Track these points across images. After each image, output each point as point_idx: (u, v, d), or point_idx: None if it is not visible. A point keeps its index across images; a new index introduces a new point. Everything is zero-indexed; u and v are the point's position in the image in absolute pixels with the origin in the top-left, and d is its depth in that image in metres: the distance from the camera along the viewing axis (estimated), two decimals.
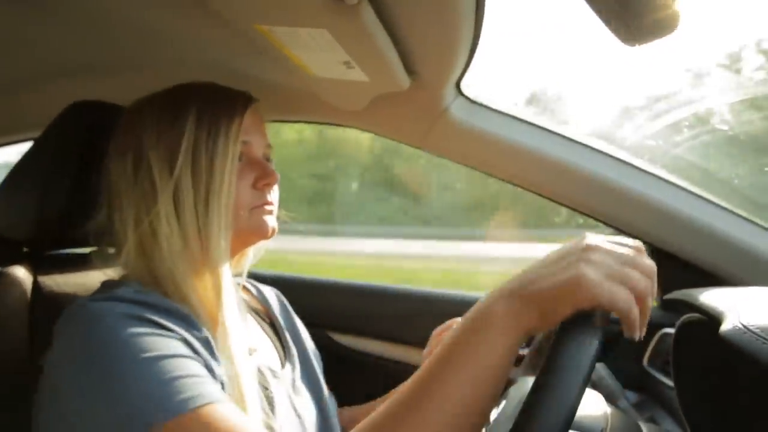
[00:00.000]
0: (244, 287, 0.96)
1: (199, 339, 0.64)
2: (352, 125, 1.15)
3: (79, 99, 0.85)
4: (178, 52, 0.96)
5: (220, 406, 0.56)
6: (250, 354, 0.79)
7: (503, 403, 0.71)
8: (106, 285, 0.72)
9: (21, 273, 0.79)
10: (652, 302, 0.50)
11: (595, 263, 0.49)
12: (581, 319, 0.47)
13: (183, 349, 0.60)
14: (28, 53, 0.98)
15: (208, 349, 0.64)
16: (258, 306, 0.95)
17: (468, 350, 0.51)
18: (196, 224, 0.70)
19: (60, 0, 0.80)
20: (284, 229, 0.83)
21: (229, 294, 0.72)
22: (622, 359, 1.15)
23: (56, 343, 0.61)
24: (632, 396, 1.11)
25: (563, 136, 1.06)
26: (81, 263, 0.88)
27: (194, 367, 0.59)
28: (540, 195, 1.14)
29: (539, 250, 0.60)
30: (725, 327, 0.53)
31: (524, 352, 0.88)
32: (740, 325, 0.52)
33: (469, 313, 0.53)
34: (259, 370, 0.77)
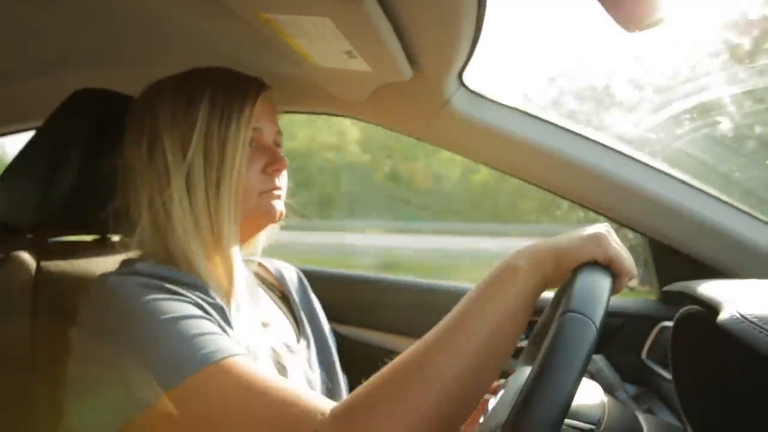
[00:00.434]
0: (261, 264, 0.97)
1: (213, 306, 0.67)
2: (354, 116, 1.15)
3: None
4: (182, 43, 0.96)
5: (240, 358, 0.59)
6: (264, 327, 0.81)
7: (501, 392, 0.71)
8: (126, 262, 0.75)
9: (25, 258, 0.79)
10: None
11: (610, 233, 0.59)
12: (595, 264, 0.56)
13: (198, 311, 0.63)
14: (31, 43, 0.98)
15: (222, 316, 0.67)
16: (273, 282, 0.97)
17: (493, 297, 0.56)
18: (207, 207, 0.73)
19: None
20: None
21: (240, 274, 0.75)
22: (622, 352, 1.16)
23: (81, 317, 0.65)
24: (631, 389, 1.12)
25: (565, 129, 1.06)
26: (84, 249, 0.89)
27: (210, 326, 0.62)
28: (541, 187, 1.14)
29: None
30: (723, 316, 0.53)
31: (523, 343, 0.89)
32: (738, 315, 0.52)
33: (492, 269, 0.59)
34: (273, 347, 0.79)
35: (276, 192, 0.80)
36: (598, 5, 0.53)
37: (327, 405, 0.55)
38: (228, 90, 0.76)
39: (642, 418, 0.67)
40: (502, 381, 0.79)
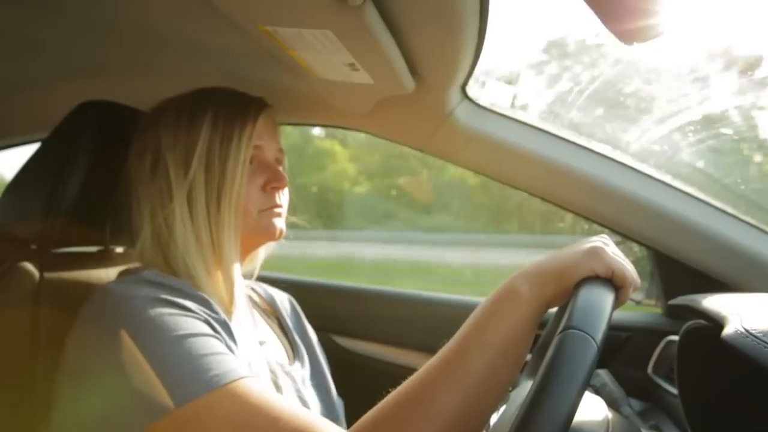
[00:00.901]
0: (252, 288, 0.97)
1: (218, 321, 0.66)
2: (356, 128, 1.15)
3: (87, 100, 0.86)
4: (184, 56, 0.97)
5: (249, 381, 0.58)
6: (260, 345, 0.80)
7: (503, 407, 0.70)
8: (127, 272, 0.75)
9: (28, 269, 0.79)
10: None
11: (608, 245, 0.59)
12: (596, 279, 0.55)
13: (207, 329, 0.63)
14: (36, 55, 0.99)
15: (227, 331, 0.67)
16: (266, 306, 0.96)
17: (494, 324, 0.56)
18: (208, 223, 0.74)
19: (67, 3, 0.81)
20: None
21: (241, 290, 0.76)
22: (627, 366, 1.14)
23: (81, 326, 0.64)
24: (636, 404, 1.10)
25: (569, 141, 1.06)
26: (88, 261, 0.89)
27: (219, 345, 0.61)
28: (545, 200, 1.14)
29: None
30: (727, 331, 0.53)
31: (527, 357, 0.88)
32: (742, 330, 0.51)
33: (492, 295, 0.58)
34: (269, 363, 0.78)
35: (276, 210, 0.80)
36: (596, 19, 0.53)
37: (335, 431, 0.55)
38: (230, 109, 0.77)
39: None
40: None
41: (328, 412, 0.88)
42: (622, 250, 0.61)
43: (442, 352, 0.57)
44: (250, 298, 0.93)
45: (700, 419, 0.75)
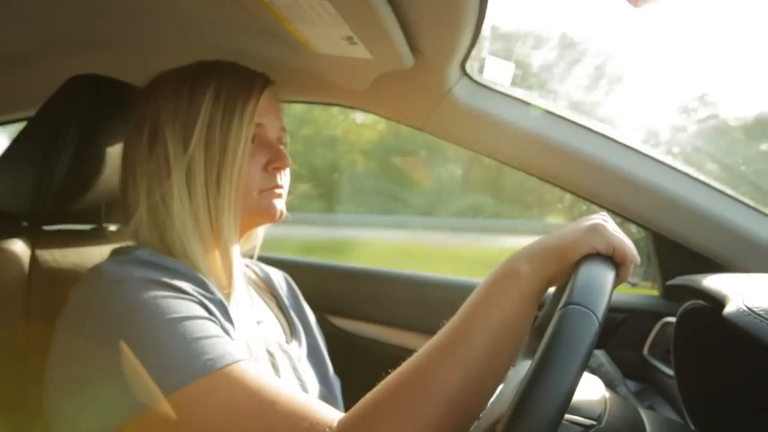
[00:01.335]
0: (248, 266, 0.96)
1: (213, 301, 0.65)
2: (354, 106, 1.14)
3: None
4: (181, 30, 0.95)
5: (245, 364, 0.57)
6: (258, 324, 0.80)
7: (501, 386, 0.70)
8: (121, 250, 0.73)
9: (19, 247, 0.78)
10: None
11: (608, 223, 0.58)
12: (597, 256, 0.55)
13: (202, 311, 0.61)
14: (27, 28, 0.97)
15: (223, 312, 0.65)
16: (262, 285, 0.95)
17: (494, 305, 0.55)
18: (206, 202, 0.72)
19: None
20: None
21: (239, 270, 0.74)
22: (623, 348, 1.15)
23: (74, 306, 0.62)
24: (632, 385, 1.11)
25: (568, 120, 1.05)
26: (80, 239, 0.88)
27: (214, 328, 0.60)
28: (543, 179, 1.13)
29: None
30: (729, 309, 0.52)
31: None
32: (744, 308, 0.51)
33: (492, 274, 0.57)
34: (267, 346, 0.78)
35: (277, 190, 0.78)
36: None
37: (333, 415, 0.54)
38: (232, 84, 0.74)
39: (644, 413, 0.66)
40: None
41: (326, 391, 0.87)
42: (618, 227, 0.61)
43: (442, 332, 0.56)
44: (247, 277, 0.92)
45: (696, 398, 0.75)
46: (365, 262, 1.39)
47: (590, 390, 0.64)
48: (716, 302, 0.58)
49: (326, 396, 0.87)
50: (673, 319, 1.03)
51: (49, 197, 0.80)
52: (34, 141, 0.82)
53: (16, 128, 1.32)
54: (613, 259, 0.56)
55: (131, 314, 0.57)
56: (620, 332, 1.17)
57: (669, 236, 1.08)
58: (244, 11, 0.71)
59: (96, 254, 0.87)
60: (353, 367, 0.99)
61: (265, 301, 0.90)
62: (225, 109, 0.72)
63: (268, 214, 0.78)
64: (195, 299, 0.62)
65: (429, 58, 0.86)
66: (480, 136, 1.09)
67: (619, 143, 1.05)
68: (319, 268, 1.41)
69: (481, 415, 0.67)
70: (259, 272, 0.98)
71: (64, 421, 0.60)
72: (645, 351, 1.14)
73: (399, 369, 0.55)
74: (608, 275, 0.52)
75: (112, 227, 0.96)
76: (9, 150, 0.83)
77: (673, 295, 1.17)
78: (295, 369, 0.81)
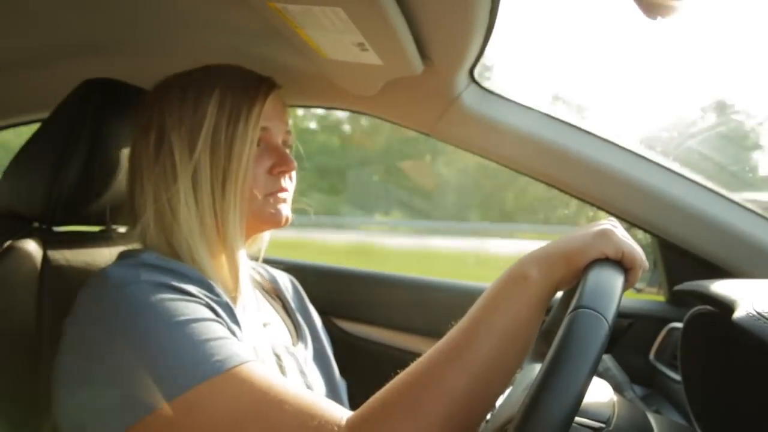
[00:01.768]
0: (254, 269, 0.97)
1: (220, 304, 0.65)
2: (363, 111, 1.14)
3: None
4: (191, 34, 0.96)
5: (253, 365, 0.57)
6: (264, 326, 0.80)
7: (509, 389, 0.70)
8: (127, 253, 0.74)
9: (31, 247, 0.79)
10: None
11: (617, 228, 0.59)
12: (606, 261, 0.55)
13: (209, 314, 0.62)
14: (38, 32, 0.98)
15: (229, 315, 0.66)
16: (268, 287, 0.96)
17: (502, 308, 0.55)
18: (212, 206, 0.72)
19: None
20: None
21: (245, 274, 0.75)
22: (629, 353, 1.15)
23: (81, 310, 0.63)
24: (639, 390, 1.11)
25: (575, 127, 1.06)
26: (91, 240, 0.89)
27: (221, 330, 0.60)
28: (550, 185, 1.13)
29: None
30: (739, 314, 0.53)
31: None
32: (754, 312, 0.51)
33: (501, 278, 0.58)
34: (273, 348, 0.78)
35: (281, 194, 0.78)
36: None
37: (341, 413, 0.55)
38: (237, 88, 0.75)
39: (652, 417, 0.66)
40: None
41: (332, 393, 0.88)
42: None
43: (450, 335, 0.56)
44: (253, 279, 0.92)
45: (703, 403, 0.75)
46: None
47: (599, 393, 0.65)
48: (725, 307, 0.58)
49: (332, 398, 0.87)
50: (679, 325, 1.04)
51: (61, 199, 0.81)
52: (47, 144, 0.83)
53: (30, 130, 1.33)
54: (622, 264, 0.56)
55: (138, 317, 0.58)
56: (626, 338, 1.17)
57: (675, 242, 1.08)
58: (255, 15, 0.72)
59: (106, 255, 0.88)
60: (358, 369, 0.99)
61: (271, 304, 0.91)
62: (230, 114, 0.73)
63: (273, 220, 0.78)
64: (202, 302, 0.62)
65: (438, 65, 0.87)
66: (487, 142, 1.09)
67: (627, 150, 1.06)
68: (325, 272, 1.41)
69: (489, 417, 0.68)
70: (265, 275, 0.98)
71: (73, 424, 0.60)
72: (651, 356, 1.14)
73: (407, 370, 0.56)
74: (618, 280, 0.53)
75: (121, 229, 0.97)
76: (22, 153, 0.84)
77: (679, 300, 1.17)
78: (301, 371, 0.81)
